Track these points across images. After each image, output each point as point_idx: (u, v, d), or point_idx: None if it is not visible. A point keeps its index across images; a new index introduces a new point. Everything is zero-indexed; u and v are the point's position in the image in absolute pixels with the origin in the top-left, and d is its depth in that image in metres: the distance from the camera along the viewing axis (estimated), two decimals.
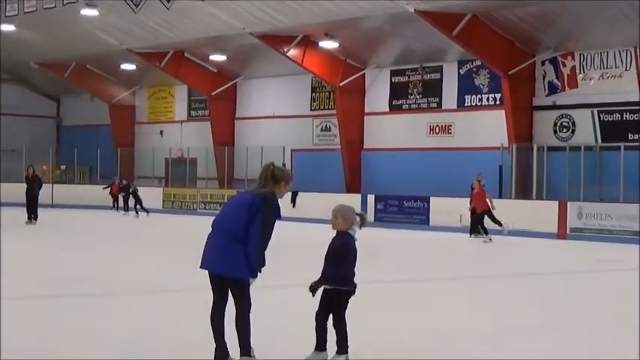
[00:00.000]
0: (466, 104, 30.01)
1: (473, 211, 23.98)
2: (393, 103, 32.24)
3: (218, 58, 34.88)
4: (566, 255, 20.59)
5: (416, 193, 28.94)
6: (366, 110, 32.91)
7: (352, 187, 32.32)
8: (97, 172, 41.74)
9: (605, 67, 26.53)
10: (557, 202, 25.43)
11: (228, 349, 7.17)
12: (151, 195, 35.53)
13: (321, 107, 34.49)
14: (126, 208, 33.65)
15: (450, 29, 26.40)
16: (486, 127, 28.99)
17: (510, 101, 27.58)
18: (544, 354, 8.50)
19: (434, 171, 29.72)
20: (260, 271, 7.12)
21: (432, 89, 30.96)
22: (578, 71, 27.10)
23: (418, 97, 31.46)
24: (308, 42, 31.15)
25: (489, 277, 15.82)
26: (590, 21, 25.36)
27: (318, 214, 25.47)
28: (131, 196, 33.10)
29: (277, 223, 7.14)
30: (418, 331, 9.48)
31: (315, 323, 7.41)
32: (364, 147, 32.94)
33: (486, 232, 23.16)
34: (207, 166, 37.73)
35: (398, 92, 32.01)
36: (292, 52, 31.35)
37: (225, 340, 7.16)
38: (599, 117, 26.63)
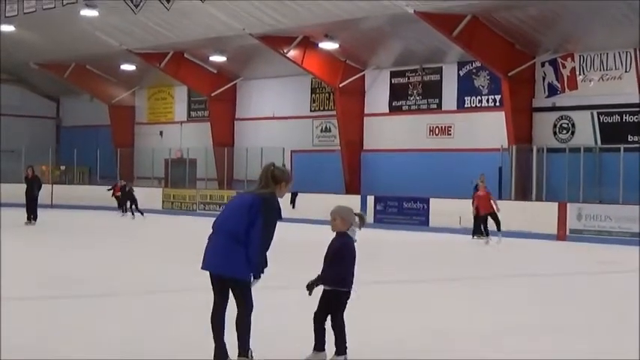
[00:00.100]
0: (466, 105, 30.00)
1: (476, 213, 23.92)
2: (393, 104, 32.23)
3: (218, 58, 34.87)
4: (566, 256, 20.57)
5: (416, 195, 28.92)
6: (366, 111, 32.90)
7: (352, 188, 32.30)
8: (97, 173, 41.73)
9: (605, 68, 26.52)
10: (556, 204, 25.42)
11: (228, 351, 7.16)
12: (150, 196, 35.56)
13: (321, 108, 34.47)
14: (124, 209, 33.61)
15: (449, 30, 26.41)
16: (486, 129, 28.96)
17: (510, 103, 27.57)
18: (544, 354, 8.51)
19: (434, 172, 29.70)
20: (262, 272, 7.13)
21: (432, 90, 30.94)
22: (577, 73, 27.09)
23: (418, 98, 31.45)
24: (308, 43, 31.14)
25: (489, 278, 15.82)
26: (589, 23, 25.36)
27: (317, 215, 25.41)
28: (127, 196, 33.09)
29: (277, 223, 7.14)
30: (418, 332, 9.48)
31: (313, 324, 7.42)
32: (364, 148, 32.93)
33: (488, 234, 23.15)
34: (206, 167, 37.71)
35: (398, 93, 32.00)
36: (292, 53, 31.34)
37: (225, 341, 7.16)
38: (598, 118, 26.63)
